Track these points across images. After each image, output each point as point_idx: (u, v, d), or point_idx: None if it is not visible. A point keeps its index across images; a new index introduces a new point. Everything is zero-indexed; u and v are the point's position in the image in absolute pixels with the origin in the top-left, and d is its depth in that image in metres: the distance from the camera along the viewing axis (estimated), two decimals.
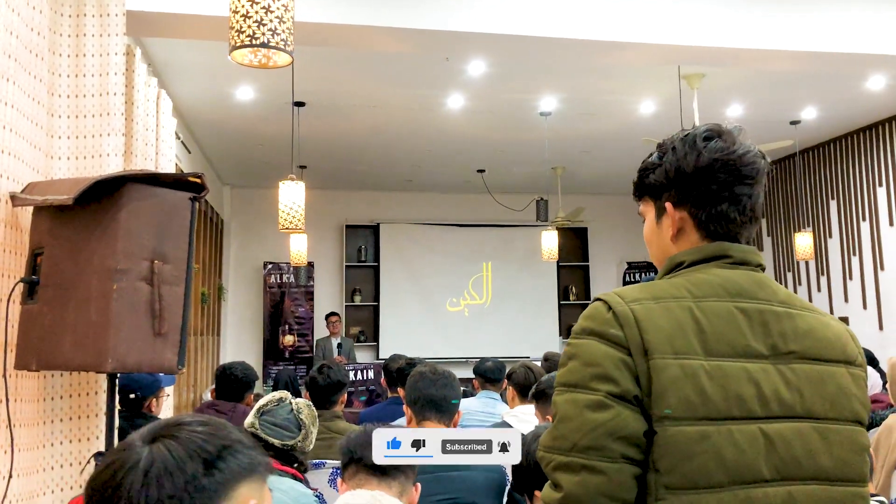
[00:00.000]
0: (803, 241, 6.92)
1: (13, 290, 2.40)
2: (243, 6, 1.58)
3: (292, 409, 2.26)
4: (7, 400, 2.37)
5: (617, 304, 1.06)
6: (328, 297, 9.60)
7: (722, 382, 1.02)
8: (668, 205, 1.17)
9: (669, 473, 0.99)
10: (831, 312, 7.62)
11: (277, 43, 1.57)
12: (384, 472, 1.64)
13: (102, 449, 2.71)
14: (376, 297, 9.62)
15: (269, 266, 9.32)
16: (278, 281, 9.34)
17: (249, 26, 1.56)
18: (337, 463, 2.97)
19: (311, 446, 2.34)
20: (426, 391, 2.18)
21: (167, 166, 4.18)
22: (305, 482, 2.29)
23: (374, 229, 9.75)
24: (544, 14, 3.60)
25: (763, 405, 1.04)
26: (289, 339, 9.26)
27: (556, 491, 1.01)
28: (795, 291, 8.20)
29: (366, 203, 9.72)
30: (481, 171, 8.59)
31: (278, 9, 1.56)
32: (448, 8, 3.47)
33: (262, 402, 2.32)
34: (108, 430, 2.60)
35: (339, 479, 1.76)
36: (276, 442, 2.20)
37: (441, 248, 9.80)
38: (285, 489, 2.13)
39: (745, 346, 1.05)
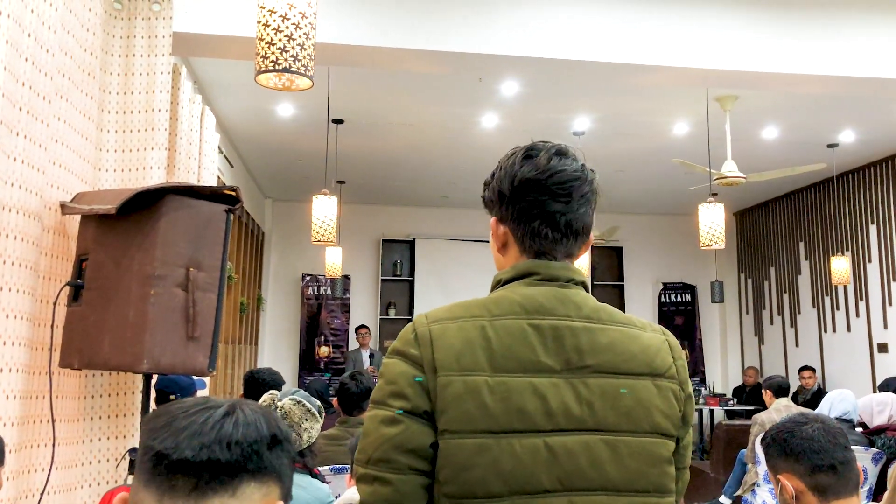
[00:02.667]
0: (839, 266, 6.83)
1: (60, 292, 2.57)
2: (268, 34, 1.72)
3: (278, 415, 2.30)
4: (51, 396, 2.53)
5: (420, 325, 1.12)
6: (364, 309, 9.76)
7: (504, 397, 1.06)
8: (493, 220, 1.23)
9: (449, 483, 1.04)
10: (870, 339, 7.49)
11: (299, 68, 1.70)
12: None
13: (137, 446, 2.87)
14: (411, 311, 9.74)
15: (307, 278, 9.52)
16: (315, 293, 9.53)
17: (273, 52, 1.69)
18: None
19: (312, 440, 2.31)
20: None
21: (210, 179, 4.36)
22: (320, 477, 2.38)
23: (410, 244, 9.89)
24: (575, 37, 3.69)
25: (548, 419, 1.06)
26: (324, 351, 9.43)
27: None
28: (833, 316, 8.09)
29: (402, 218, 9.88)
30: None
31: (300, 37, 1.69)
32: (481, 30, 3.58)
33: None
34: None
35: (346, 475, 1.85)
36: None
37: (475, 264, 9.88)
38: (304, 485, 2.24)
39: (535, 361, 1.08)
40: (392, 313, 9.76)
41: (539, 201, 1.16)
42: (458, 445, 1.04)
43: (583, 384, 1.09)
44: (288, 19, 1.66)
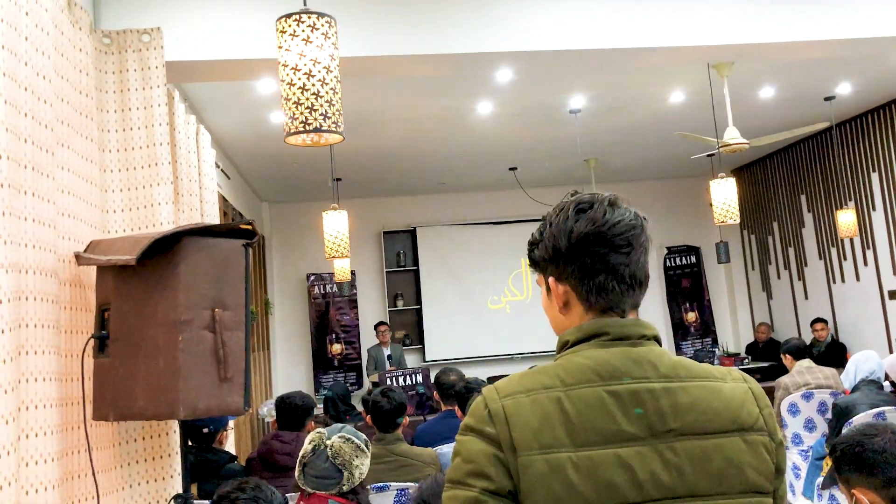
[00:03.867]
0: (846, 219, 6.81)
1: (86, 345, 2.53)
2: (294, 94, 1.65)
3: (328, 457, 2.22)
4: (90, 450, 2.50)
5: (491, 401, 1.08)
6: (371, 303, 9.74)
7: (591, 472, 1.01)
8: (551, 280, 1.18)
9: None
10: (880, 286, 7.50)
11: (329, 126, 1.64)
12: None
13: (179, 488, 2.85)
14: (418, 300, 9.73)
15: (312, 277, 9.48)
16: (322, 291, 9.50)
17: (302, 113, 1.63)
18: (401, 485, 3.06)
19: (363, 476, 2.29)
20: None
21: (210, 198, 4.30)
22: None
23: (411, 233, 9.85)
24: (571, 27, 3.62)
25: (638, 490, 1.02)
26: (337, 348, 9.42)
27: None
28: (840, 267, 8.10)
29: (401, 208, 9.82)
30: (513, 168, 8.62)
31: (327, 93, 1.62)
32: (477, 30, 3.51)
33: (301, 452, 2.28)
34: (183, 470, 2.73)
35: (390, 494, 1.82)
36: (322, 493, 2.19)
37: (478, 247, 9.86)
38: None
39: (617, 431, 1.04)
40: (400, 304, 9.75)
41: (601, 255, 1.13)
42: None
43: (669, 449, 1.04)
44: (313, 76, 1.60)
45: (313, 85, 1.59)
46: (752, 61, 5.42)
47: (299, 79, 1.60)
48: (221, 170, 6.33)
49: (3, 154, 2.16)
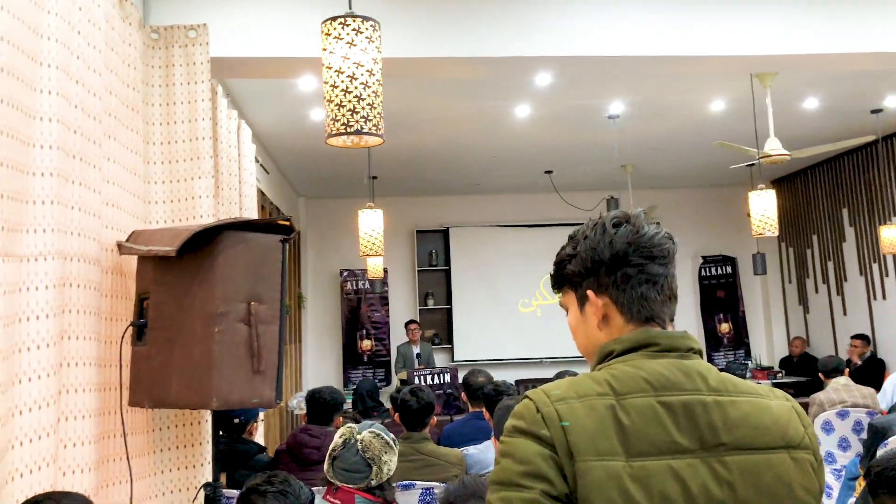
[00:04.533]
0: (889, 234, 6.66)
1: (125, 333, 2.59)
2: (336, 96, 1.68)
3: (358, 451, 2.24)
4: (125, 434, 2.56)
5: (543, 404, 1.06)
6: (402, 301, 9.78)
7: (646, 483, 1.01)
8: (589, 293, 1.17)
9: None
10: None
11: (370, 129, 1.66)
12: None
13: (209, 476, 2.90)
14: (448, 300, 9.75)
15: (345, 273, 9.56)
16: (354, 287, 9.57)
17: (343, 115, 1.65)
18: (426, 484, 3.08)
19: (391, 472, 2.31)
20: None
21: (249, 192, 4.37)
22: None
23: (444, 233, 9.87)
24: (613, 33, 3.61)
25: (690, 503, 1.01)
26: (366, 344, 9.49)
27: None
28: (882, 283, 7.92)
29: (435, 208, 9.85)
30: (549, 172, 8.59)
31: (369, 96, 1.65)
32: (519, 34, 3.51)
33: (332, 445, 2.32)
34: (213, 458, 2.79)
35: (415, 492, 1.83)
36: (350, 487, 2.21)
37: (510, 249, 9.84)
38: None
39: (670, 442, 1.03)
40: (430, 303, 9.78)
41: (642, 265, 1.14)
42: None
43: (720, 463, 1.04)
44: (355, 79, 1.63)
45: (356, 88, 1.61)
46: (797, 72, 5.33)
47: (342, 81, 1.63)
48: (261, 165, 6.42)
49: (54, 144, 2.23)
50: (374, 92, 1.65)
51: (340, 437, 2.27)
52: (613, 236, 1.15)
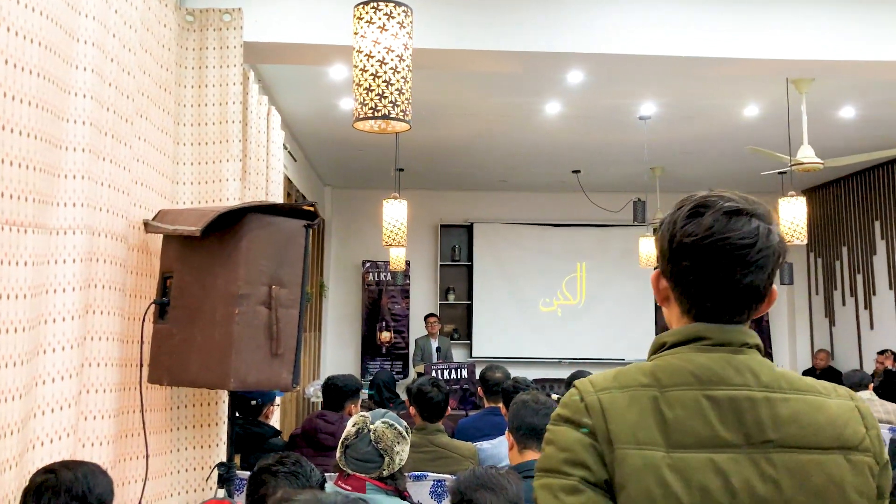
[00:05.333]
0: None
1: (147, 310, 2.62)
2: (366, 80, 1.68)
3: (371, 441, 2.23)
4: (143, 411, 2.60)
5: (587, 394, 1.08)
6: (423, 294, 9.79)
7: (685, 475, 1.00)
8: (656, 272, 1.16)
9: None
10: None
11: (398, 114, 1.66)
12: None
13: (223, 456, 2.93)
14: (469, 296, 9.73)
15: (368, 264, 9.59)
16: (376, 279, 9.60)
17: (371, 99, 1.65)
18: (439, 476, 3.09)
19: (403, 462, 2.30)
20: (529, 420, 2.25)
21: (276, 178, 4.40)
22: (410, 500, 2.38)
23: (468, 228, 9.86)
24: (646, 31, 3.57)
25: (731, 498, 1.00)
26: (386, 336, 9.52)
27: None
28: None
29: (460, 203, 9.84)
30: (576, 171, 8.54)
31: (398, 81, 1.65)
32: (551, 29, 3.49)
33: (344, 434, 2.32)
34: (228, 439, 2.81)
35: (427, 483, 1.83)
36: (362, 476, 2.20)
37: (534, 248, 9.80)
38: None
39: (713, 436, 1.02)
40: (451, 298, 9.78)
41: (696, 268, 1.08)
42: None
43: (766, 461, 1.01)
44: (385, 63, 1.62)
45: (385, 73, 1.61)
46: (834, 79, 5.24)
47: (372, 65, 1.63)
48: (289, 151, 6.46)
49: (87, 120, 2.26)
50: (403, 77, 1.65)
51: (353, 425, 2.27)
52: (680, 228, 1.11)
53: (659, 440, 1.02)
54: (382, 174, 8.36)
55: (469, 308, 9.73)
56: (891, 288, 8.21)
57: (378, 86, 1.63)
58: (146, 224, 2.71)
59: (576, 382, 1.11)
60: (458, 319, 9.83)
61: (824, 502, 1.01)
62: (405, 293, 9.67)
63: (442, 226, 9.86)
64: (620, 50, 3.54)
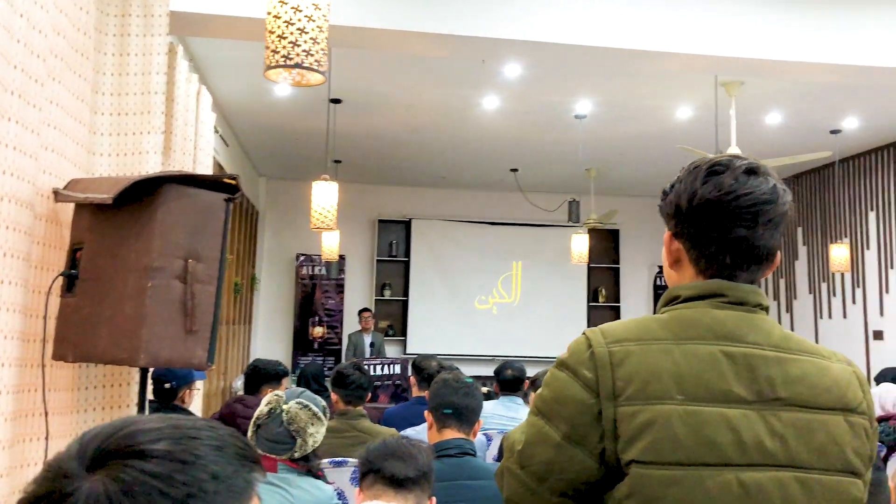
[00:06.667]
0: (839, 253, 6.80)
1: (53, 283, 2.48)
2: (279, 27, 1.62)
3: (283, 422, 2.15)
4: (44, 389, 2.46)
5: (597, 344, 1.07)
6: (358, 290, 9.69)
7: (696, 428, 1.01)
8: (668, 233, 1.18)
9: None
10: (866, 326, 7.49)
11: (311, 64, 1.61)
12: (401, 485, 1.66)
13: None
14: (406, 292, 9.69)
15: (302, 258, 9.44)
16: (310, 273, 9.46)
17: (284, 47, 1.59)
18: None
19: (317, 444, 2.23)
20: (448, 399, 2.22)
21: (205, 161, 4.26)
22: (324, 479, 2.32)
23: (406, 224, 9.81)
24: (583, 22, 3.60)
25: (742, 452, 1.01)
26: (318, 331, 9.38)
27: (502, 481, 1.12)
28: (829, 302, 8.08)
29: (398, 198, 9.79)
30: (514, 170, 8.60)
31: (313, 30, 1.59)
32: (485, 14, 3.48)
33: (256, 413, 2.26)
34: None
35: (356, 489, 1.80)
36: (273, 456, 2.13)
37: (472, 246, 9.83)
38: (306, 487, 2.18)
39: (726, 391, 1.03)
40: (387, 294, 9.71)
41: (719, 225, 1.10)
42: (647, 476, 1.00)
43: (774, 417, 1.03)
44: (300, 10, 1.56)
45: (299, 20, 1.56)
46: (762, 84, 5.40)
47: (286, 12, 1.57)
48: (220, 136, 6.29)
49: None
50: (318, 27, 1.59)
51: (266, 405, 2.19)
52: (699, 187, 1.11)
53: (672, 392, 1.02)
54: (319, 165, 8.22)
55: (405, 304, 9.68)
56: (810, 292, 8.53)
57: (291, 33, 1.57)
58: (56, 193, 2.57)
59: (587, 330, 1.11)
60: (393, 316, 9.77)
61: (825, 459, 1.04)
62: (340, 288, 9.55)
63: (380, 221, 9.79)
64: (556, 39, 3.56)
